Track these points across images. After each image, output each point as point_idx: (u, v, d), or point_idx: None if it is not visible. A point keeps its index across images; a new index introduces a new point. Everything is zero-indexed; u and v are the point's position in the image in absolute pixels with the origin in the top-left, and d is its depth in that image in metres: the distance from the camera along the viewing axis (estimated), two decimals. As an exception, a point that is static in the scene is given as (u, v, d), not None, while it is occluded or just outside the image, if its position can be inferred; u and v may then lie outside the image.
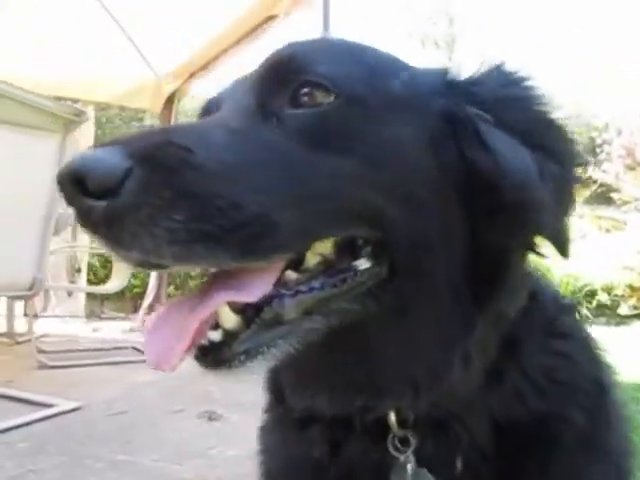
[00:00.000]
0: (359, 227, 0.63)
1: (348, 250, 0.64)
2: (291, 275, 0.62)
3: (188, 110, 6.63)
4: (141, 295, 6.18)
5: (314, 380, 0.72)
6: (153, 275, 5.48)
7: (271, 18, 4.22)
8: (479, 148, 0.65)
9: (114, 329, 5.47)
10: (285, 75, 0.66)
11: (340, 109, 0.64)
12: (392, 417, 0.71)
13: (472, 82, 0.71)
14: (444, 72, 0.73)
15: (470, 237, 0.67)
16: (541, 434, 0.70)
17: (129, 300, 6.97)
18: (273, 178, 0.58)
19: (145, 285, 5.98)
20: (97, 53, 4.88)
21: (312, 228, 0.60)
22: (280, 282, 0.61)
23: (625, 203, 8.94)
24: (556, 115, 0.70)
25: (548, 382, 0.71)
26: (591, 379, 0.74)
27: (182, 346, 0.56)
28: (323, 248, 0.63)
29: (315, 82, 0.64)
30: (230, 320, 0.58)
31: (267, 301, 0.59)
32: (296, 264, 0.62)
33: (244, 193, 0.56)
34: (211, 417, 2.51)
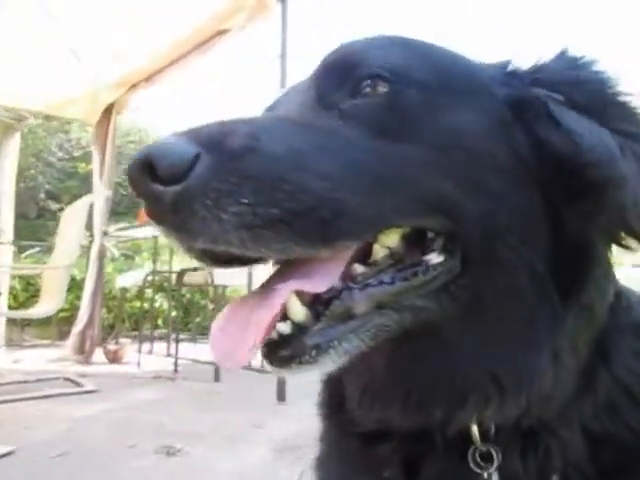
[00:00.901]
0: (429, 217, 0.61)
1: (417, 243, 0.62)
2: (358, 268, 0.60)
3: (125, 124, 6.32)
4: (68, 320, 5.68)
5: (386, 388, 0.65)
6: (86, 297, 5.08)
7: (223, 32, 4.12)
8: (554, 128, 0.62)
9: (39, 358, 4.97)
10: (344, 70, 0.66)
11: (402, 97, 0.63)
12: (475, 429, 0.64)
13: (536, 69, 0.70)
14: (505, 63, 0.71)
15: (551, 226, 0.63)
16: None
17: (55, 326, 6.39)
18: (339, 164, 0.58)
19: (74, 309, 5.52)
20: (34, 60, 4.53)
21: (380, 216, 0.58)
22: (348, 276, 0.59)
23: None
24: (628, 98, 0.67)
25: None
26: None
27: (254, 339, 0.54)
28: (390, 241, 0.61)
29: (376, 73, 0.64)
30: (299, 313, 0.56)
31: (336, 294, 0.58)
32: (363, 258, 0.61)
33: (311, 178, 0.55)
34: (169, 452, 2.29)
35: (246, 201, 0.51)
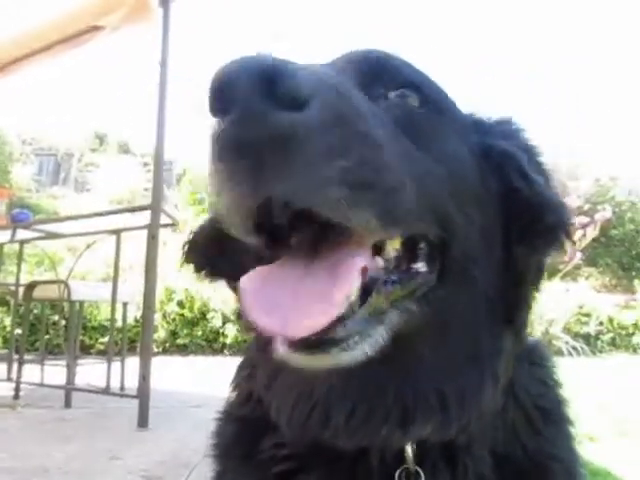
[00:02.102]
0: (430, 224, 0.63)
1: (410, 251, 0.64)
2: (379, 262, 0.59)
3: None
4: None
5: (331, 401, 0.62)
6: None
7: (96, 29, 3.83)
8: (522, 178, 0.72)
9: None
10: (381, 73, 0.69)
11: (428, 111, 0.69)
12: (409, 449, 0.65)
13: (497, 124, 0.81)
14: (472, 112, 0.82)
15: (504, 256, 0.71)
16: (537, 471, 0.70)
17: None
18: (402, 151, 0.59)
19: None
20: None
21: (418, 212, 0.60)
22: (371, 268, 0.57)
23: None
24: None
25: (537, 413, 0.74)
26: (560, 404, 0.79)
27: (329, 311, 0.49)
28: (397, 243, 0.62)
29: (412, 84, 0.69)
30: (354, 294, 0.52)
31: (375, 283, 0.56)
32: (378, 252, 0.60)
33: (392, 158, 0.55)
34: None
35: (350, 162, 0.48)
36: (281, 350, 0.52)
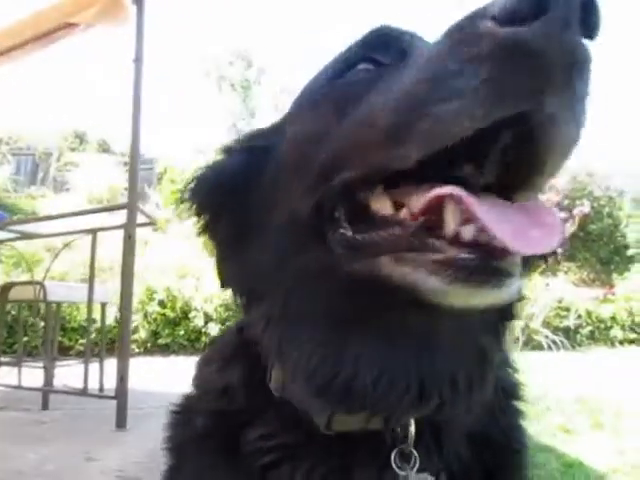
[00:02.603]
0: None
1: None
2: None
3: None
4: None
5: (366, 365, 0.61)
6: None
7: (70, 26, 3.77)
8: None
9: None
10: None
11: None
12: (412, 429, 0.66)
13: None
14: None
15: None
16: (503, 445, 0.75)
17: None
18: None
19: None
20: None
21: None
22: None
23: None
24: None
25: (501, 393, 0.77)
26: (516, 384, 0.83)
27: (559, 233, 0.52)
28: None
29: None
30: None
31: None
32: None
33: None
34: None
35: None
36: (436, 285, 0.52)
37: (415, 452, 0.67)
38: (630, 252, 11.52)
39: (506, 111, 0.49)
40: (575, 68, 0.49)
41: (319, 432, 0.68)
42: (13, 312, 6.44)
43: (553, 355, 6.91)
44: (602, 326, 8.50)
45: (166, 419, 0.86)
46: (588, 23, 0.49)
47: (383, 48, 0.71)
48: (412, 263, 0.55)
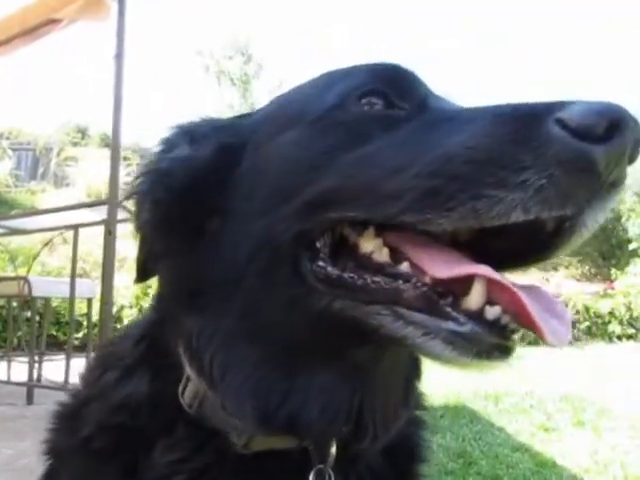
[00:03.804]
0: None
1: None
2: None
3: None
4: None
5: (316, 396, 0.64)
6: None
7: (54, 22, 3.76)
8: None
9: None
10: None
11: None
12: (333, 450, 0.67)
13: None
14: None
15: None
16: (414, 453, 0.79)
17: None
18: None
19: None
20: None
21: None
22: None
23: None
24: None
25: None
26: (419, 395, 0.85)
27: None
28: None
29: None
30: None
31: None
32: None
33: None
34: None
35: None
36: (446, 353, 0.55)
37: (331, 472, 0.66)
38: (632, 246, 11.43)
39: (555, 211, 0.54)
40: (617, 188, 0.57)
41: (233, 451, 0.66)
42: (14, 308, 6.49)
43: (548, 350, 6.88)
44: (600, 321, 8.46)
45: (49, 422, 0.82)
46: (634, 156, 0.57)
47: (398, 89, 0.68)
48: (421, 326, 0.56)
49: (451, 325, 0.55)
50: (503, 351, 0.54)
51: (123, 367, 0.76)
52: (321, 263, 0.63)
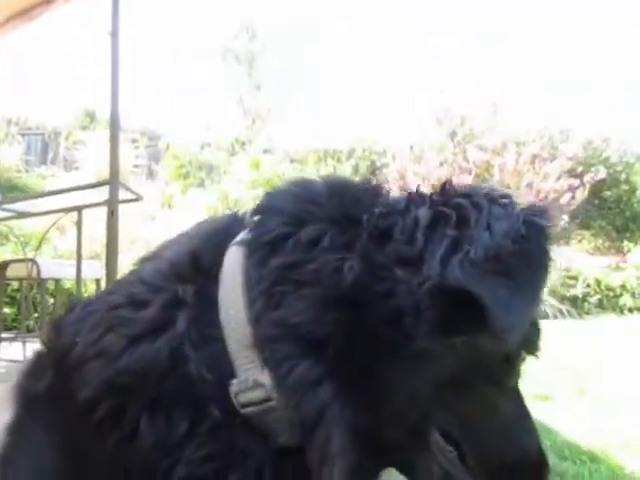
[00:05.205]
0: None
1: None
2: None
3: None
4: None
5: None
6: None
7: (48, 2, 3.76)
8: None
9: None
10: None
11: None
12: None
13: None
14: None
15: None
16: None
17: None
18: None
19: None
20: None
21: None
22: None
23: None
24: None
25: None
26: None
27: None
28: None
29: None
30: None
31: None
32: None
33: None
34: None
35: None
36: None
37: None
38: (647, 219, 11.23)
39: None
40: None
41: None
42: (24, 290, 6.62)
43: (558, 323, 6.86)
44: (611, 294, 8.38)
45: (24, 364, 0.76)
46: None
47: None
48: None
49: None
50: None
51: (144, 328, 0.68)
52: None
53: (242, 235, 0.71)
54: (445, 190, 0.65)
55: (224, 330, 0.65)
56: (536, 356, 0.74)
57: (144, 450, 0.63)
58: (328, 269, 0.62)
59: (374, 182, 0.76)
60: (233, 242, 0.71)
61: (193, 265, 0.71)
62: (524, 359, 0.73)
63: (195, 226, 0.81)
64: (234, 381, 0.64)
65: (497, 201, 0.62)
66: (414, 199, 0.66)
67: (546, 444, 2.22)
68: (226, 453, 0.63)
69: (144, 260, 0.81)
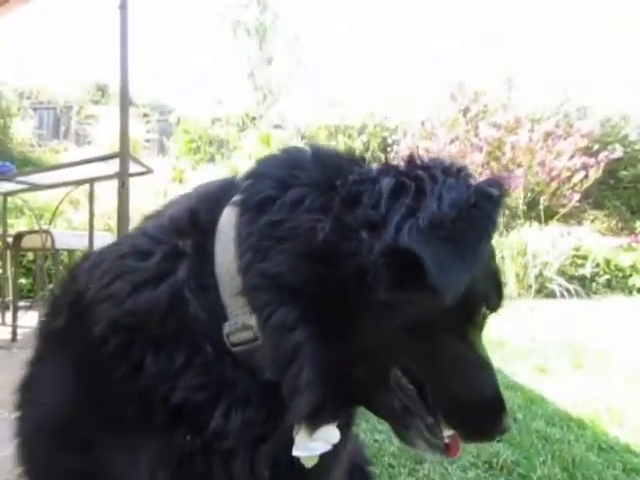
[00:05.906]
0: None
1: None
2: None
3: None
4: None
5: None
6: None
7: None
8: None
9: None
10: None
11: None
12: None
13: None
14: None
15: None
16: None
17: None
18: None
19: None
20: None
21: None
22: None
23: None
24: None
25: None
26: None
27: None
28: None
29: None
30: None
31: None
32: None
33: None
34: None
35: None
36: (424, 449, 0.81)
37: None
38: (662, 199, 11.03)
39: None
40: None
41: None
42: (39, 260, 6.80)
43: (565, 302, 6.87)
44: (620, 275, 8.35)
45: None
46: None
47: None
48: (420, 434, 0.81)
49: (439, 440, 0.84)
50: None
51: (149, 275, 0.77)
52: None
53: (236, 197, 0.79)
54: (410, 162, 0.72)
55: (219, 279, 0.74)
56: (497, 313, 0.80)
57: (148, 378, 0.73)
58: (304, 227, 0.70)
59: (357, 154, 0.84)
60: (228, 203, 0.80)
61: (192, 221, 0.81)
62: (485, 314, 0.80)
63: (195, 188, 0.90)
64: (226, 323, 0.73)
65: (452, 173, 0.69)
66: (384, 169, 0.73)
67: (537, 412, 2.29)
68: (217, 383, 0.73)
69: (148, 218, 0.91)
